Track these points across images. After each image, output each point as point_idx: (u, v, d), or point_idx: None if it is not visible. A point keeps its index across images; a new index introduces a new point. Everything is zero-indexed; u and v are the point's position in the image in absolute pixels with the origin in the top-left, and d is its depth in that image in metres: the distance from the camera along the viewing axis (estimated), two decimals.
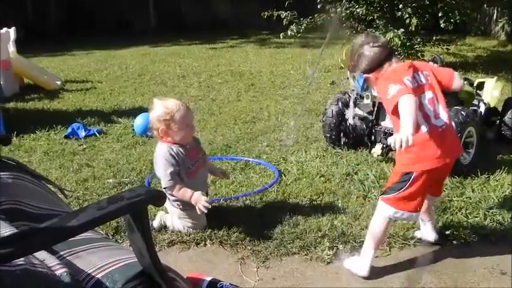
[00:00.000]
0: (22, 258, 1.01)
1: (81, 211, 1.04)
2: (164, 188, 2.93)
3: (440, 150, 2.50)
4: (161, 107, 2.96)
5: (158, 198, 1.16)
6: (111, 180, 3.90)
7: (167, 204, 3.07)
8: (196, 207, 2.87)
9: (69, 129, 5.16)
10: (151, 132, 3.15)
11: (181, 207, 3.03)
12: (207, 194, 3.17)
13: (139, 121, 5.11)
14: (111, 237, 2.93)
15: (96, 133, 5.17)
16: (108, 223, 3.01)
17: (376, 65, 2.62)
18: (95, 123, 5.63)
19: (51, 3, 17.65)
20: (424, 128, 2.50)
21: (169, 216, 3.11)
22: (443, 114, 2.58)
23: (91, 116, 5.83)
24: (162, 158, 2.95)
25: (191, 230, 3.04)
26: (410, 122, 2.28)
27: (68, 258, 1.18)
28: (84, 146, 4.81)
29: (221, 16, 17.88)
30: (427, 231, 2.92)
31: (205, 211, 2.88)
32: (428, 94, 2.58)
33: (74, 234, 1.04)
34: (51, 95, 7.27)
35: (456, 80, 2.67)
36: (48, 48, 12.85)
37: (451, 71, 2.71)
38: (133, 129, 5.18)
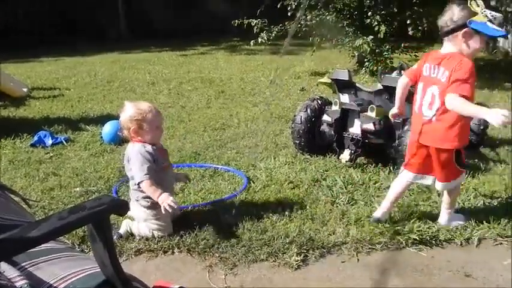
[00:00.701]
0: None
1: (42, 221, 1.03)
2: (138, 183, 2.96)
3: (417, 131, 3.03)
4: (133, 108, 3.05)
5: (121, 207, 1.16)
6: (78, 189, 3.85)
7: (133, 210, 3.07)
8: (162, 207, 2.89)
9: (36, 137, 5.08)
10: (121, 132, 3.16)
11: (149, 204, 3.03)
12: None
13: (107, 129, 5.06)
14: (77, 246, 2.90)
15: (64, 141, 5.10)
16: (74, 232, 2.97)
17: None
18: (62, 131, 5.55)
19: (21, 10, 17.39)
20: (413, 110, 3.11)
21: (135, 223, 3.11)
22: (434, 109, 2.92)
23: (58, 124, 5.75)
24: (137, 154, 2.99)
25: (157, 233, 3.04)
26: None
27: (28, 269, 1.16)
28: (51, 155, 4.74)
29: (192, 23, 17.91)
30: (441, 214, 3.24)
31: (170, 211, 2.91)
32: (434, 88, 2.92)
33: (35, 245, 1.03)
34: (17, 103, 7.16)
35: (447, 99, 2.80)
36: (15, 55, 12.65)
37: (456, 90, 2.77)
38: (102, 137, 5.13)
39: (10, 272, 1.10)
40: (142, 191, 3.02)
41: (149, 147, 3.03)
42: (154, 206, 3.02)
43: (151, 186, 2.95)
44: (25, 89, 7.93)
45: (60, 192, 3.78)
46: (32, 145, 4.99)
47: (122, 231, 3.10)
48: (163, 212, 2.93)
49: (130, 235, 3.10)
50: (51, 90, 8.37)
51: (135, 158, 2.99)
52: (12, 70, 10.30)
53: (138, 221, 3.10)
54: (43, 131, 5.26)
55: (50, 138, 5.09)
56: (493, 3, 9.64)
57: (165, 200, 2.89)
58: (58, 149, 4.91)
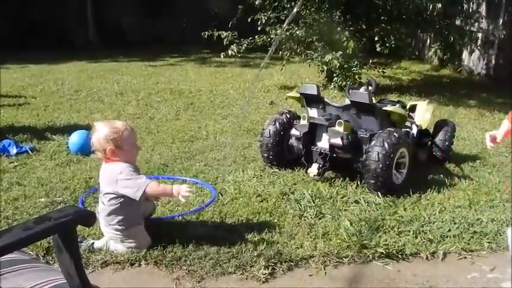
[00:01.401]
0: None
1: (5, 232, 1.01)
2: (143, 193, 2.88)
3: None
4: (107, 127, 2.95)
5: (87, 218, 1.15)
6: (43, 199, 3.78)
7: (106, 233, 3.03)
8: (180, 197, 2.89)
9: (0, 146, 4.97)
10: (96, 154, 3.06)
11: (121, 227, 2.97)
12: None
13: (74, 138, 4.99)
14: (41, 258, 2.84)
15: (29, 150, 5.00)
16: (38, 243, 2.92)
17: None
18: (28, 140, 5.44)
19: None
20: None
21: (113, 242, 3.03)
22: None
23: (23, 133, 5.64)
24: (126, 169, 2.92)
25: (137, 250, 2.98)
26: None
27: None
28: (16, 164, 4.64)
29: (162, 34, 17.88)
30: None
31: (183, 200, 2.96)
32: None
33: None
34: None
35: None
36: None
37: None
38: (68, 147, 5.05)
39: None
40: (115, 214, 2.95)
41: (129, 165, 2.97)
42: (126, 227, 2.97)
43: (159, 185, 3.01)
44: None
45: (24, 203, 3.70)
46: None
47: (98, 245, 3.04)
48: (182, 201, 2.96)
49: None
50: (17, 98, 8.21)
51: (124, 173, 2.91)
52: None
53: (115, 242, 3.03)
54: (7, 139, 5.14)
55: (15, 147, 4.99)
56: (458, 22, 9.93)
57: (180, 191, 2.89)
58: (23, 158, 4.81)
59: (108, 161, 2.98)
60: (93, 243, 3.05)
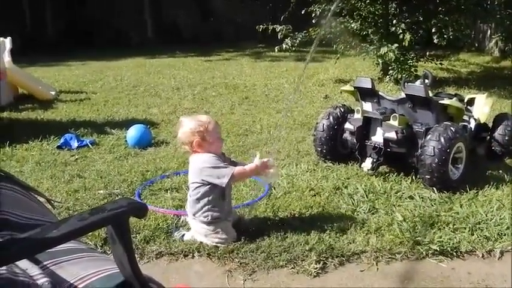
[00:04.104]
0: (4, 267, 1.03)
1: (63, 222, 1.06)
2: (229, 181, 3.00)
3: None
4: (193, 121, 3.08)
5: (140, 210, 1.18)
6: (101, 191, 3.91)
7: (193, 226, 3.13)
8: (269, 171, 3.11)
9: (62, 140, 5.17)
10: (182, 147, 3.20)
11: (207, 220, 3.05)
12: None
13: (132, 133, 5.13)
14: (99, 248, 2.95)
15: (89, 144, 5.18)
16: (97, 234, 3.03)
17: None
18: (88, 134, 5.64)
19: (49, 14, 17.73)
20: None
21: (199, 235, 3.10)
22: None
23: (84, 127, 5.85)
24: (210, 158, 3.03)
25: (221, 246, 3.03)
26: None
27: (50, 268, 1.19)
28: (77, 157, 4.82)
29: (217, 29, 18.04)
30: None
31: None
32: None
33: (55, 245, 1.06)
34: (45, 105, 7.28)
35: None
36: (44, 59, 12.89)
37: None
38: (126, 141, 5.20)
39: (32, 270, 1.13)
40: (200, 204, 3.05)
41: (215, 156, 3.07)
42: (213, 221, 3.05)
43: (244, 169, 3.11)
44: (53, 92, 8.07)
45: (84, 194, 3.85)
46: (59, 147, 5.08)
47: (187, 237, 3.13)
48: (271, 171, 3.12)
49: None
50: (78, 93, 8.50)
51: (209, 163, 3.01)
52: (41, 74, 10.49)
53: (200, 235, 3.10)
54: (69, 133, 5.35)
55: (76, 141, 5.18)
56: None
57: (266, 169, 3.11)
58: (83, 152, 4.99)
59: (195, 152, 3.09)
60: (183, 234, 3.14)
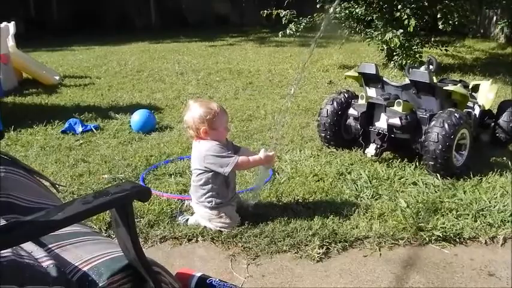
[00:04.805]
0: (9, 250, 1.04)
1: (67, 205, 1.07)
2: (232, 170, 3.00)
3: None
4: (203, 107, 3.02)
5: (143, 194, 1.19)
6: (106, 175, 3.92)
7: (196, 210, 3.14)
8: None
9: (67, 125, 5.19)
10: (188, 132, 3.15)
11: (211, 205, 3.06)
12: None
13: (136, 117, 5.14)
14: (104, 231, 2.97)
15: (93, 129, 5.20)
16: (101, 217, 3.05)
17: None
18: (92, 118, 5.66)
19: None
20: None
21: (202, 220, 3.12)
22: None
23: (88, 112, 5.86)
24: (214, 146, 3.01)
25: (225, 230, 3.04)
26: None
27: (55, 250, 1.21)
28: (81, 142, 4.84)
29: (221, 14, 17.97)
30: None
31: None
32: None
33: (59, 228, 1.07)
34: (49, 90, 7.30)
35: None
36: (48, 44, 12.90)
37: None
38: (130, 126, 5.21)
39: (38, 252, 1.14)
40: (203, 190, 3.05)
41: (219, 143, 3.05)
42: (217, 206, 3.06)
43: (248, 159, 3.08)
44: (57, 77, 8.07)
45: (89, 179, 3.86)
46: (63, 132, 5.10)
47: (191, 221, 3.14)
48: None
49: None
50: (82, 78, 8.51)
51: (213, 150, 2.99)
52: (45, 58, 10.50)
53: (204, 220, 3.11)
54: (74, 118, 5.36)
55: (80, 125, 5.20)
56: None
57: (270, 162, 3.21)
58: (88, 136, 5.01)
59: (199, 139, 3.07)
60: (187, 219, 3.16)
